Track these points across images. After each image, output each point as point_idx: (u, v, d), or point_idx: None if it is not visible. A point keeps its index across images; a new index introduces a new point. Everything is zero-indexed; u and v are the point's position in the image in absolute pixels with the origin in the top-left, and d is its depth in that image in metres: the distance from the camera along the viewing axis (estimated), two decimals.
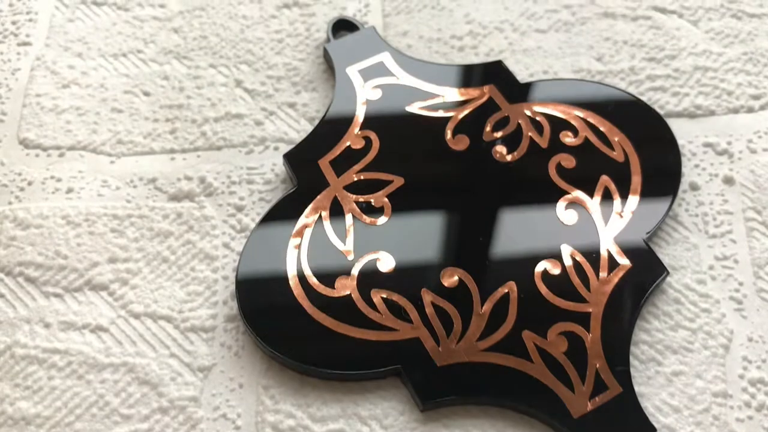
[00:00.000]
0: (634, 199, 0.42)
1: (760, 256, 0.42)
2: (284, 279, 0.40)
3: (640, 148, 0.44)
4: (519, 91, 0.46)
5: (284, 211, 0.42)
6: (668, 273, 0.40)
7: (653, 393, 0.39)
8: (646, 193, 0.43)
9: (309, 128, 0.46)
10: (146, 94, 0.48)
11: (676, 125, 0.46)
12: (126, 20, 0.50)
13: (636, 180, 0.43)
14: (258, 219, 0.43)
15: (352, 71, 0.47)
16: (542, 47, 0.49)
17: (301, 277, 0.40)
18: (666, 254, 0.42)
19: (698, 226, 0.43)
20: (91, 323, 0.40)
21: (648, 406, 0.38)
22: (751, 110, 0.47)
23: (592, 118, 0.45)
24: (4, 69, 0.48)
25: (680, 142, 0.45)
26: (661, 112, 0.46)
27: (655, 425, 0.37)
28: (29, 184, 0.44)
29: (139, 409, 0.38)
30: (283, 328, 0.39)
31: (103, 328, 0.40)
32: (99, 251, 0.42)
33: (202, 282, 0.42)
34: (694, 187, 0.44)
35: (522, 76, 0.47)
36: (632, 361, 0.39)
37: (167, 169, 0.45)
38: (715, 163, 0.45)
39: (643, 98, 0.46)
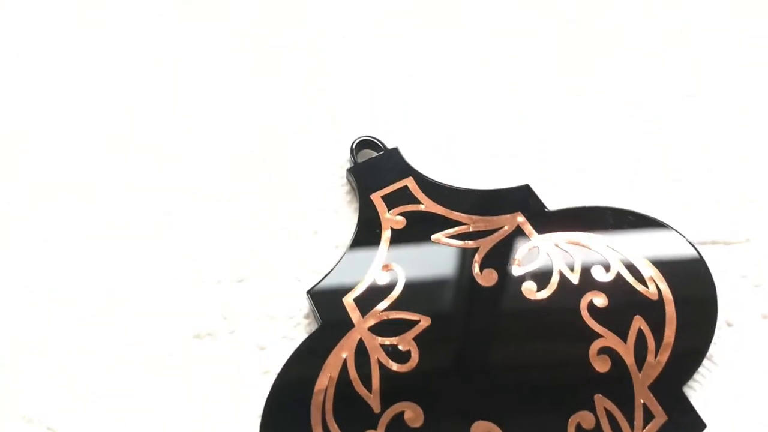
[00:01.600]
0: (668, 343, 0.41)
1: None
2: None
3: (674, 284, 0.42)
4: (547, 219, 0.45)
5: (308, 355, 0.41)
6: (705, 427, 0.39)
7: None
8: (682, 335, 0.41)
9: (332, 256, 0.45)
10: None
11: (710, 254, 0.45)
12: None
13: (671, 321, 0.42)
14: (280, 360, 0.41)
15: (376, 198, 0.45)
16: (571, 171, 0.48)
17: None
18: (702, 400, 0.41)
19: (734, 365, 0.42)
20: None
21: None
22: None
23: (624, 251, 0.44)
24: None
25: (715, 272, 0.44)
26: (695, 239, 0.45)
27: None
28: None
29: None
30: None
31: None
32: None
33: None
34: (729, 323, 0.43)
35: (551, 200, 0.46)
36: None
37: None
38: (752, 296, 0.44)
39: (676, 226, 0.45)
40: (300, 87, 0.50)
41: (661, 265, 0.43)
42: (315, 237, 0.46)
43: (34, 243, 0.44)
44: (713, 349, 0.42)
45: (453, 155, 0.49)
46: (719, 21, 0.52)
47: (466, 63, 0.51)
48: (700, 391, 0.41)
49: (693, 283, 0.43)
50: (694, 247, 0.44)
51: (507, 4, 0.53)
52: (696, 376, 0.41)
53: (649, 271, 0.43)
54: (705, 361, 0.42)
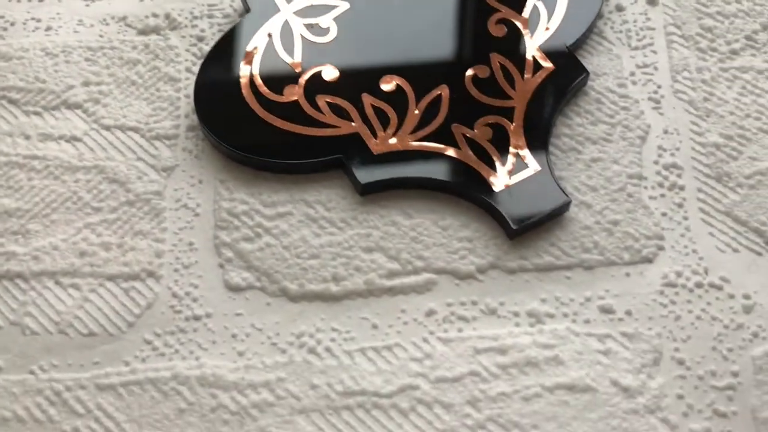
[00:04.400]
0: (560, 15, 0.46)
1: (678, 63, 0.46)
2: (237, 89, 0.44)
3: None
4: None
5: (239, 34, 0.46)
6: (588, 74, 0.44)
7: (572, 176, 0.42)
8: (572, 10, 0.46)
9: None
10: None
11: None
12: None
13: (562, 1, 0.47)
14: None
15: None
16: None
17: (253, 87, 0.44)
18: (590, 63, 0.46)
19: (622, 40, 0.47)
20: (67, 134, 0.45)
21: (567, 186, 0.42)
22: None
23: None
24: None
25: None
26: None
27: (573, 201, 0.41)
28: (12, 24, 0.49)
29: (109, 202, 0.43)
30: (238, 129, 0.43)
31: (77, 138, 0.45)
32: (74, 76, 0.47)
33: (166, 100, 0.46)
34: (619, 8, 0.48)
35: None
36: (554, 151, 0.43)
37: (136, 9, 0.49)
38: None
39: None
40: None
41: None
42: None
43: None
44: (604, 28, 0.47)
45: None
46: None
47: None
48: (590, 58, 0.46)
49: None
50: None
51: None
52: (588, 47, 0.46)
53: None
54: (596, 37, 0.47)
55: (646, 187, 0.42)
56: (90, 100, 0.46)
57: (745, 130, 0.43)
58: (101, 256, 0.41)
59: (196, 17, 0.49)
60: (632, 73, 0.46)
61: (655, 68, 0.46)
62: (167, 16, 0.49)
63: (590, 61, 0.46)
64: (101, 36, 0.48)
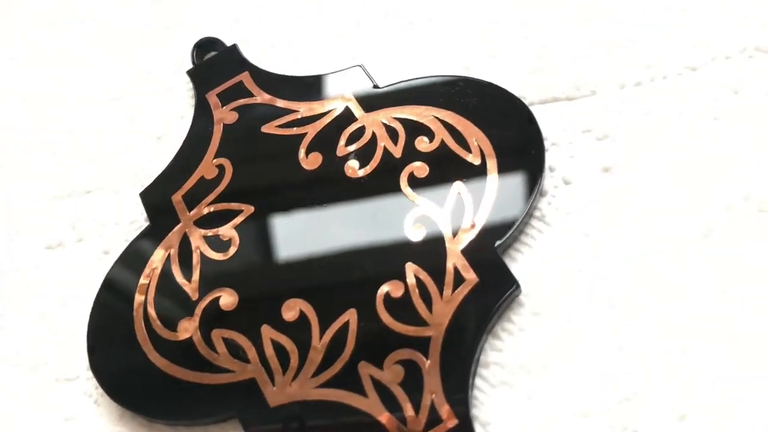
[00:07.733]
0: (487, 206, 0.39)
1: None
2: (131, 327, 0.40)
3: (500, 147, 0.40)
4: (377, 97, 0.43)
5: (135, 255, 0.42)
6: (519, 286, 0.37)
7: (503, 420, 0.36)
8: (502, 198, 0.39)
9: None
10: None
11: (552, 111, 0.42)
12: None
13: (491, 185, 0.40)
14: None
15: (211, 96, 0.45)
16: (406, 46, 0.46)
17: (147, 324, 0.40)
18: (528, 262, 0.39)
19: (568, 224, 0.39)
20: None
21: None
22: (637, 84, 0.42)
23: (451, 118, 0.41)
24: None
25: (555, 130, 0.41)
26: (536, 99, 0.42)
27: None
28: None
29: None
30: (130, 379, 0.39)
31: None
32: None
33: (68, 331, 0.42)
34: (566, 182, 0.40)
35: (383, 78, 0.44)
36: (481, 385, 0.37)
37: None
38: (594, 151, 0.41)
39: (510, 88, 0.42)
40: None
41: (488, 128, 0.41)
42: (159, 142, 0.46)
43: None
44: (547, 210, 0.40)
45: (292, 46, 0.48)
46: None
47: None
48: (528, 253, 0.39)
49: (520, 144, 0.40)
50: (526, 106, 0.41)
51: None
52: (526, 238, 0.39)
53: (474, 136, 0.41)
54: (537, 222, 0.40)
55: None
56: None
57: None
58: None
59: (102, 225, 0.45)
60: (580, 270, 0.38)
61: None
62: (72, 226, 0.45)
63: (529, 258, 0.39)
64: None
